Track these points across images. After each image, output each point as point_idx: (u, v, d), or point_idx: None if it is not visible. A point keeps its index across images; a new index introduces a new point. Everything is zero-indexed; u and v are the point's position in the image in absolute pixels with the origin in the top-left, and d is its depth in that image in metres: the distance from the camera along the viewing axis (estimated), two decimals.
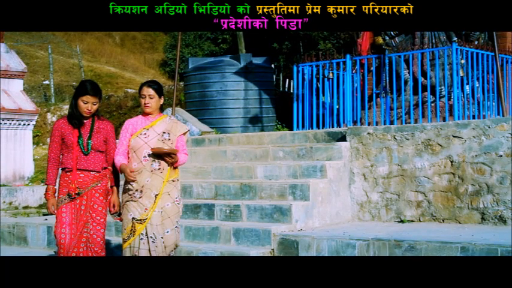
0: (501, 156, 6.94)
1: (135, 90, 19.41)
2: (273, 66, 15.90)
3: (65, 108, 18.50)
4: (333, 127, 9.50)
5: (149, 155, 5.20)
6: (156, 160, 5.19)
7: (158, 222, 5.16)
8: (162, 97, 5.32)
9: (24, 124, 12.28)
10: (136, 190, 5.18)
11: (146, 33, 32.92)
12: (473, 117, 8.64)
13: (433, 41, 9.37)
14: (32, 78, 22.25)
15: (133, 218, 5.17)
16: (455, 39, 9.08)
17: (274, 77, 18.42)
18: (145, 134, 5.24)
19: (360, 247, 6.16)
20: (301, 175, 7.64)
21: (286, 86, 20.92)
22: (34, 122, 12.74)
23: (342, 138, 8.09)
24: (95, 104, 5.13)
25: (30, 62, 23.18)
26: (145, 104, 5.26)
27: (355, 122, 9.28)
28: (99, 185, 5.21)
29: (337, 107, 9.66)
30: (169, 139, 5.27)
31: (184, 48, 24.37)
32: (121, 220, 5.33)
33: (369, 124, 9.18)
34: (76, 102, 5.11)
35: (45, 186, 5.21)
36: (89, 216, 5.14)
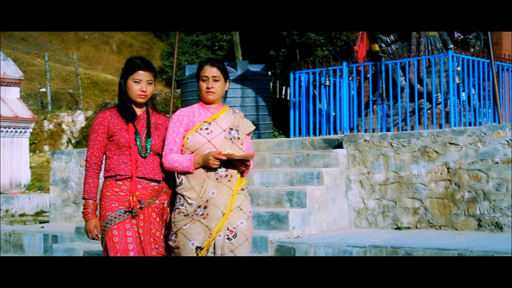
0: (497, 163, 6.96)
1: None
2: (269, 73, 15.94)
3: (62, 115, 18.51)
4: (329, 134, 9.51)
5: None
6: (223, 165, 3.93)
7: (223, 251, 3.87)
8: (228, 81, 4.10)
9: (21, 132, 12.27)
10: (199, 207, 3.88)
11: (143, 41, 32.94)
12: (470, 124, 8.67)
13: (429, 48, 9.40)
14: (29, 85, 22.27)
15: (197, 248, 3.87)
16: (451, 46, 9.12)
17: (271, 84, 18.46)
18: (207, 129, 3.97)
19: (357, 254, 6.15)
20: (298, 182, 7.64)
21: (283, 93, 20.97)
22: (31, 130, 12.75)
23: (339, 145, 8.10)
24: (150, 84, 3.97)
25: (27, 70, 23.19)
26: (207, 88, 3.98)
27: (351, 129, 9.30)
28: (157, 201, 3.97)
29: (334, 114, 9.68)
30: (238, 138, 4.02)
31: (181, 56, 24.37)
32: None
33: (365, 131, 9.19)
34: (126, 86, 3.97)
35: (84, 200, 3.93)
36: (148, 245, 3.93)
